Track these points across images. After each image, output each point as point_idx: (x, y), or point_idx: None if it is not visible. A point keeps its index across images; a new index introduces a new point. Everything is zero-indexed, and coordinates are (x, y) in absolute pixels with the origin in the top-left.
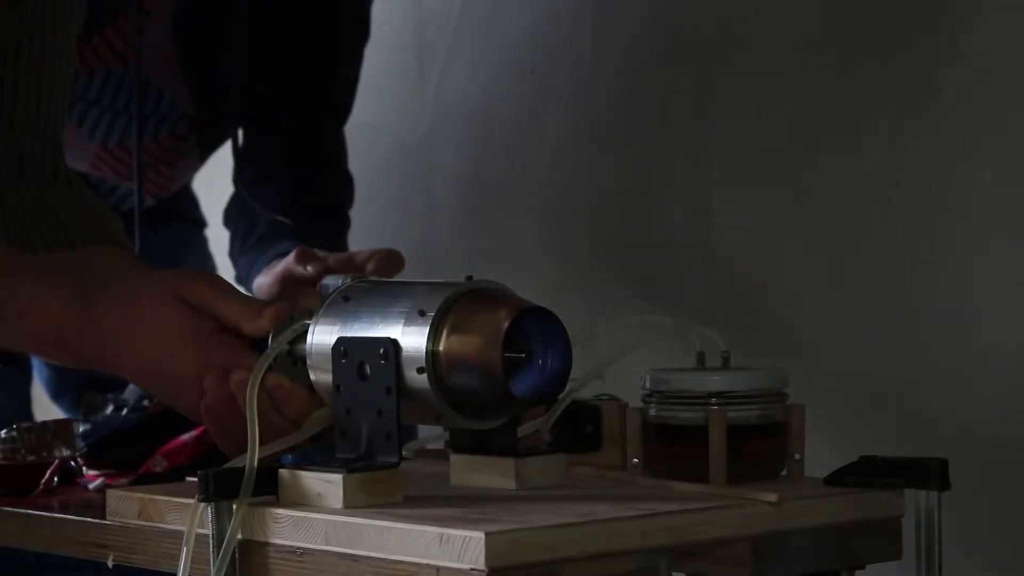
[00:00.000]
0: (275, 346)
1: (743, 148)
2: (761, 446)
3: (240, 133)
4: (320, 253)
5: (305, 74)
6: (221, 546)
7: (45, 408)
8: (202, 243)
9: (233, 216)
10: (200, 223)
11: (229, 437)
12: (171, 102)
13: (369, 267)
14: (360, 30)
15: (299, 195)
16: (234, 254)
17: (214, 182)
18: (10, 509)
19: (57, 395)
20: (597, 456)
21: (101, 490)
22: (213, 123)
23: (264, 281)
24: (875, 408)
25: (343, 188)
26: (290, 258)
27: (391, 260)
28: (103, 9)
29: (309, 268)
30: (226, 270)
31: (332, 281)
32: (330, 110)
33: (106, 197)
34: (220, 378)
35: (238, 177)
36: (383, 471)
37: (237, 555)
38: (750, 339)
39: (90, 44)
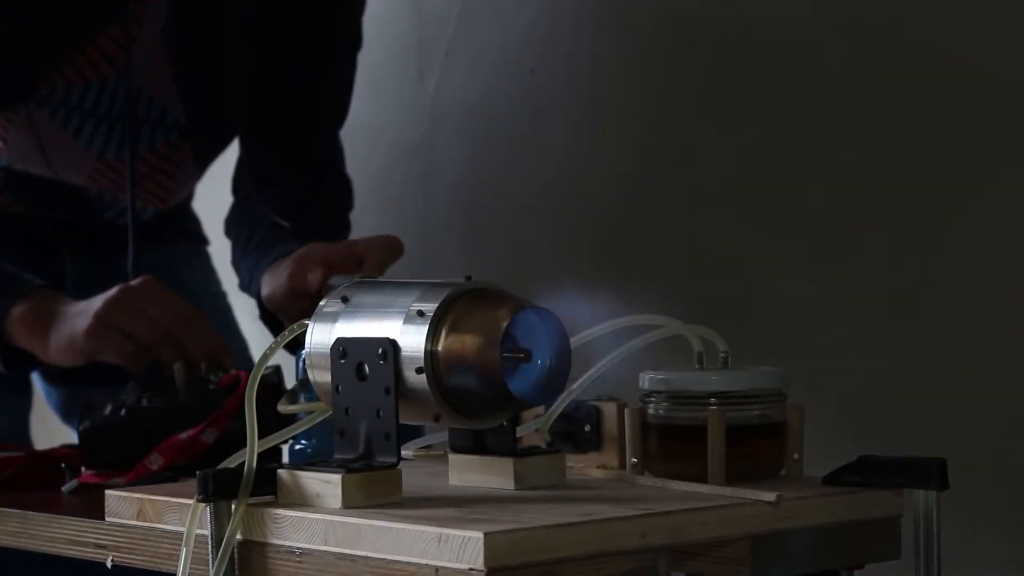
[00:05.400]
0: (273, 346)
1: (744, 147)
2: (760, 446)
3: (236, 141)
4: (319, 250)
5: (298, 82)
6: (220, 546)
7: (43, 431)
8: (204, 259)
9: (233, 225)
10: (202, 239)
11: None
12: (162, 109)
13: (369, 258)
14: (352, 38)
15: (297, 201)
16: (235, 261)
17: (216, 199)
18: (10, 509)
19: (67, 416)
20: (596, 456)
21: (74, 492)
22: (207, 131)
23: (272, 294)
24: (875, 408)
25: (342, 192)
26: (286, 274)
27: (390, 246)
28: (96, 16)
29: (309, 277)
30: (231, 284)
31: (339, 281)
32: (325, 116)
33: (105, 211)
34: None
35: (237, 185)
36: (382, 471)
37: (236, 555)
38: (750, 339)
39: (84, 53)
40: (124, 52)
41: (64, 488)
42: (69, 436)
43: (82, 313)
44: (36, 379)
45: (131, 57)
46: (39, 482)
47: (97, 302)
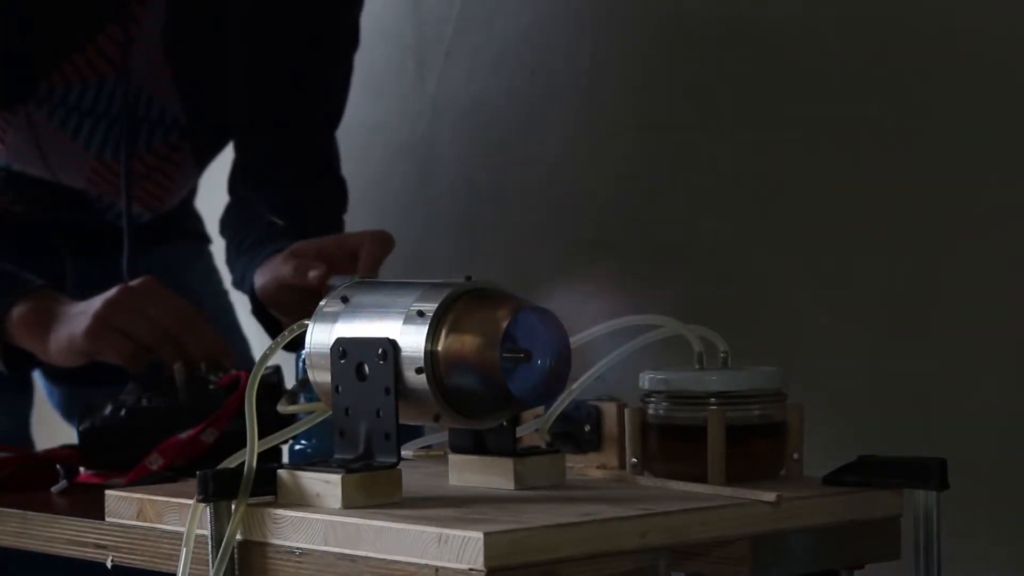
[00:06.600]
0: (273, 346)
1: (743, 147)
2: (760, 446)
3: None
4: (312, 245)
5: (295, 82)
6: (220, 546)
7: (44, 430)
8: (206, 259)
9: (228, 224)
10: (204, 238)
11: None
12: (161, 109)
13: (362, 254)
14: (350, 37)
15: (292, 202)
16: (230, 260)
17: (218, 198)
18: (10, 509)
19: (69, 415)
20: (596, 456)
21: (64, 492)
22: (206, 131)
23: (267, 284)
24: (875, 408)
25: (337, 193)
26: (288, 269)
27: (381, 240)
28: (96, 16)
29: (311, 275)
30: (230, 281)
31: (338, 281)
32: (321, 117)
33: (103, 213)
34: None
35: (233, 184)
36: (382, 471)
37: (236, 555)
38: (750, 339)
39: (84, 53)
40: (123, 52)
41: (53, 489)
42: (70, 435)
43: (82, 313)
44: (38, 378)
45: (130, 57)
46: (36, 483)
47: (97, 302)
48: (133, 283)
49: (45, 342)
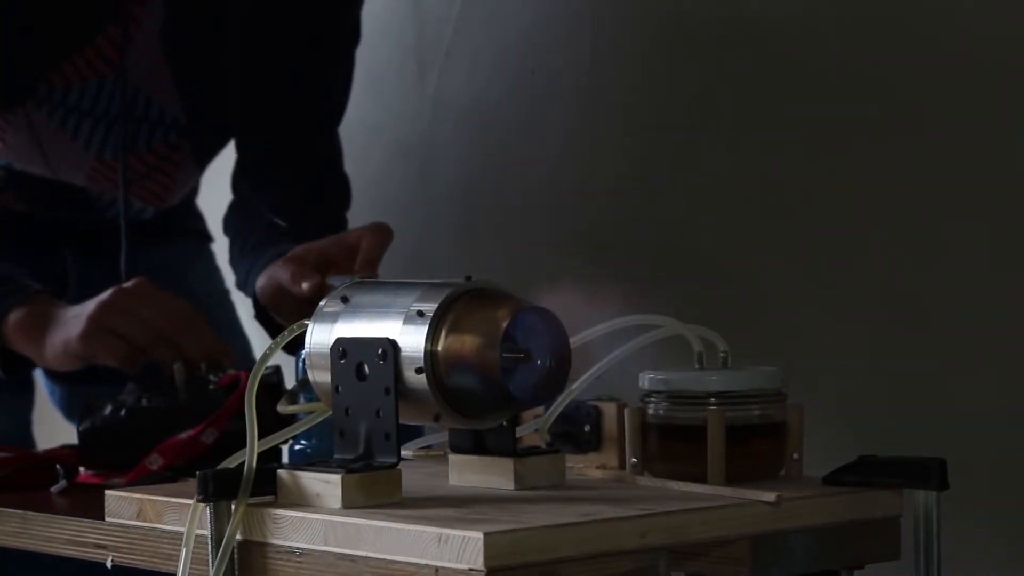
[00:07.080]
0: (273, 346)
1: (743, 147)
2: (760, 446)
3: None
4: (313, 252)
5: (296, 79)
6: (220, 546)
7: (45, 430)
8: (208, 257)
9: (232, 222)
10: (206, 237)
11: None
12: (160, 110)
13: (363, 245)
14: (351, 34)
15: (295, 199)
16: (233, 260)
17: (221, 195)
18: (10, 509)
19: (70, 414)
20: (596, 456)
21: (63, 492)
22: (206, 131)
23: (266, 286)
24: (875, 408)
25: (339, 191)
26: (286, 275)
27: (380, 231)
28: (93, 17)
29: (304, 286)
30: (233, 282)
31: (338, 281)
32: (323, 113)
33: (105, 210)
34: None
35: (236, 183)
36: (382, 471)
37: (236, 555)
38: (750, 339)
39: (83, 54)
40: (122, 53)
41: (53, 489)
42: (71, 435)
43: (76, 317)
44: (39, 377)
45: (129, 57)
46: (36, 483)
47: (90, 305)
48: (126, 285)
49: (41, 347)
